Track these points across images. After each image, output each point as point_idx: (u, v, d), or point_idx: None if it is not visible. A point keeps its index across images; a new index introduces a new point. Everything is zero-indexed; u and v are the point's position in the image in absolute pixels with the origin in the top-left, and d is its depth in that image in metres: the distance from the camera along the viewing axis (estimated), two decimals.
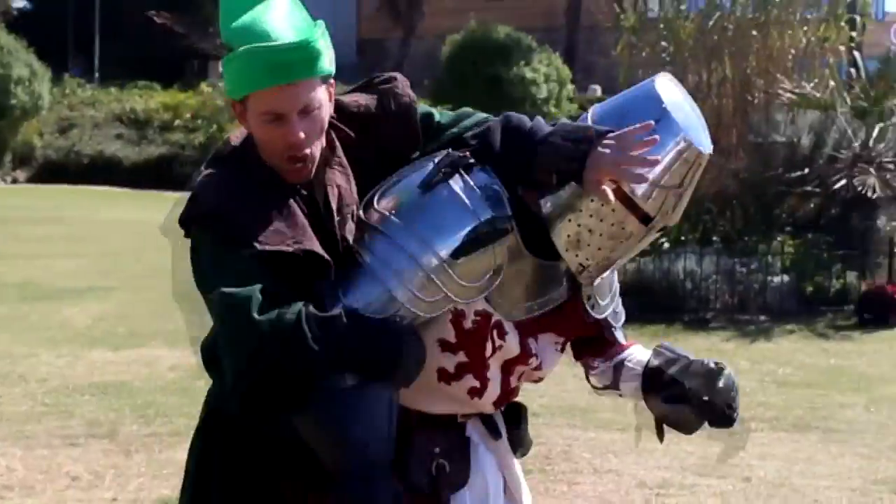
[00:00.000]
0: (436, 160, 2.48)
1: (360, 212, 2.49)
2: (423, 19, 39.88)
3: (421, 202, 2.44)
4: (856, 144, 11.82)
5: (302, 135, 2.42)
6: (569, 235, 2.45)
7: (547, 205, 2.45)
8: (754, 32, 13.50)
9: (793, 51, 13.62)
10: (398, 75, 2.70)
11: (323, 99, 2.47)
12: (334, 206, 2.49)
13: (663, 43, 14.01)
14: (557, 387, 8.55)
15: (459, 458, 2.61)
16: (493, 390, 2.60)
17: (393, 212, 2.44)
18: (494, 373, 2.58)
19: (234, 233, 2.38)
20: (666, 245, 11.31)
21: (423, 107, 2.68)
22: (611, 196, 2.34)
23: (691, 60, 13.77)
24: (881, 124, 11.82)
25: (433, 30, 36.98)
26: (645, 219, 2.42)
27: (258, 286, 2.32)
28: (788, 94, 12.02)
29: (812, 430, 7.28)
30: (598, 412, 7.77)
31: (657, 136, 2.34)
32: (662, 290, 10.86)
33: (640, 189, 2.38)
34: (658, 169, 2.37)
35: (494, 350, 2.55)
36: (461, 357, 2.53)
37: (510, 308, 2.54)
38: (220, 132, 24.36)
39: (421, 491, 2.54)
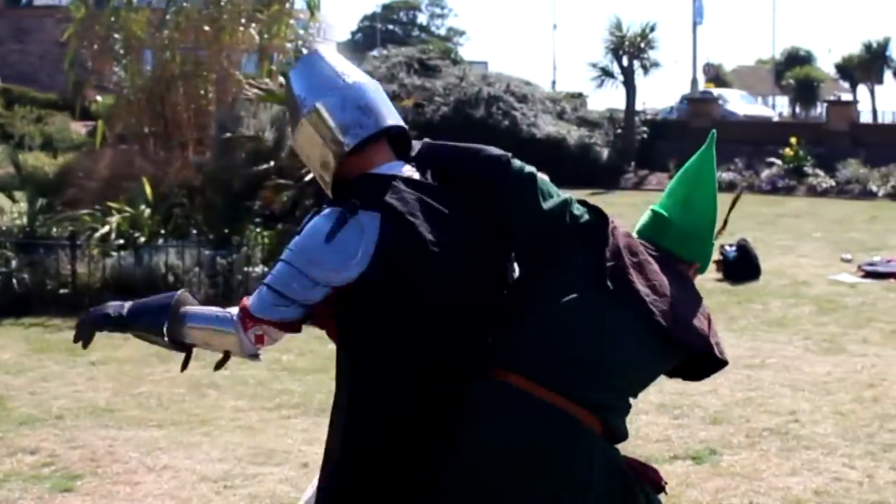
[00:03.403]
0: None
1: None
2: None
3: None
4: None
5: None
6: None
7: None
8: (207, 28, 13.64)
9: (244, 46, 13.96)
10: None
11: None
12: None
13: (116, 35, 13.79)
14: (69, 387, 8.30)
15: None
16: None
17: None
18: None
19: None
20: (142, 239, 11.21)
21: None
22: None
23: (146, 53, 13.73)
24: None
25: None
26: None
27: None
28: (255, 90, 12.29)
29: None
30: (122, 410, 7.65)
31: None
32: (144, 284, 10.72)
33: None
34: None
35: None
36: None
37: None
38: None
39: None
